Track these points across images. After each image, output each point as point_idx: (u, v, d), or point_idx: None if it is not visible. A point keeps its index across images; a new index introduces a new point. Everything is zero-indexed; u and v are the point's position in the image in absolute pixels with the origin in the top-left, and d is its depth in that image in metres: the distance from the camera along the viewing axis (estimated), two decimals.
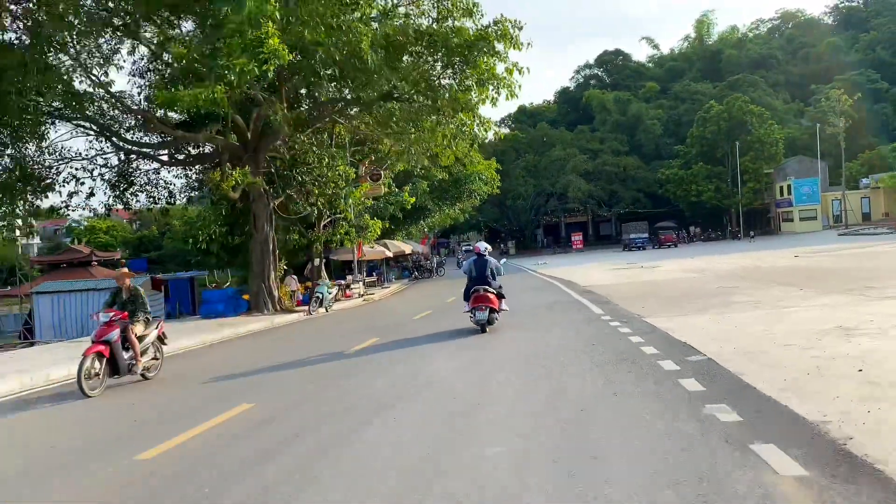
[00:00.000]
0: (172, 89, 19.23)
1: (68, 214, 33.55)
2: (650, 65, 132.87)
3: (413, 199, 40.50)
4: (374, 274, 54.81)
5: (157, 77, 27.12)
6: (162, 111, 26.21)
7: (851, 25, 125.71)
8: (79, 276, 42.40)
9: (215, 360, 15.82)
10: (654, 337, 12.31)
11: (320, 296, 27.34)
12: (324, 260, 33.00)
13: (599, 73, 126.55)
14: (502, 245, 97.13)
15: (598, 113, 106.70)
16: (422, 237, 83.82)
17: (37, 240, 71.06)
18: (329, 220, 30.01)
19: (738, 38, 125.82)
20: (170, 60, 23.78)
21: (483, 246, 16.54)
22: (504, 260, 19.26)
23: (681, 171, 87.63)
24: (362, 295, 33.59)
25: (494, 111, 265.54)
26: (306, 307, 27.27)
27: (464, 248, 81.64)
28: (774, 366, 8.81)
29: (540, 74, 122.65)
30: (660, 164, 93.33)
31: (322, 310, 27.26)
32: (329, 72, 23.27)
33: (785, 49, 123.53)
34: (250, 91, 22.20)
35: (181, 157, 30.59)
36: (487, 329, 14.93)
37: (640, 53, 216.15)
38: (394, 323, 20.72)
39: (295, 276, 31.24)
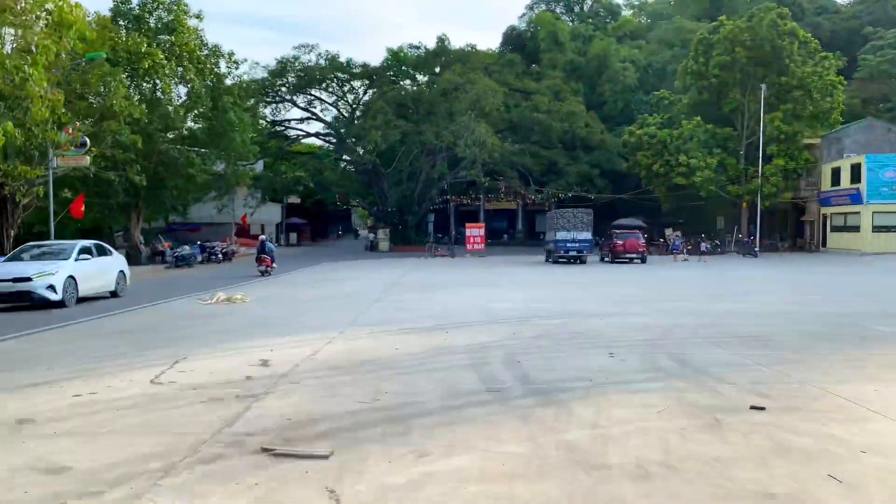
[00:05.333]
0: None
1: None
2: (629, 12, 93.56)
3: None
4: None
5: None
6: None
7: None
8: None
9: None
10: None
11: None
12: None
13: (559, 12, 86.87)
14: (372, 235, 57.82)
15: (547, 51, 67.13)
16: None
17: None
18: None
19: None
20: None
21: (266, 237, 30.05)
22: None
23: (661, 131, 48.30)
24: None
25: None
26: None
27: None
28: None
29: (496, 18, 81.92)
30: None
31: None
32: None
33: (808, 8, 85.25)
34: None
35: None
36: (265, 275, 27.36)
37: None
38: None
39: None
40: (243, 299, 17.12)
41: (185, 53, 37.12)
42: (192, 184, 37.39)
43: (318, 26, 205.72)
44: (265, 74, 51.88)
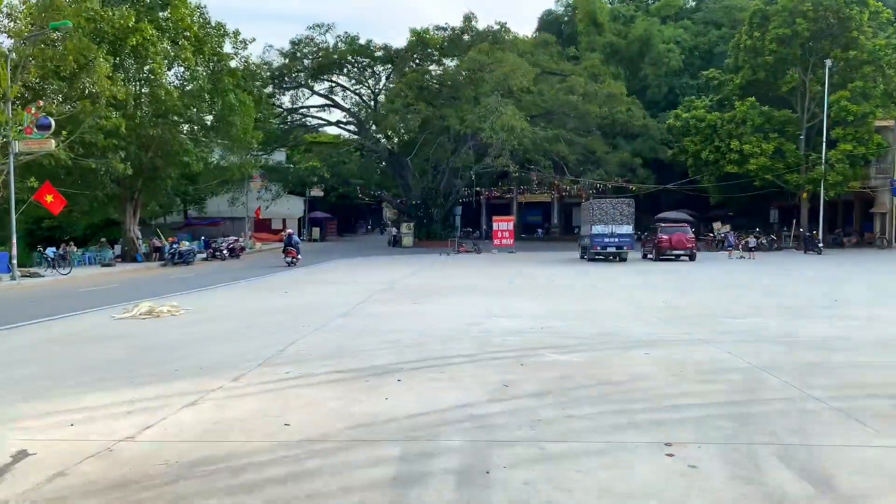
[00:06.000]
0: None
1: None
2: None
3: None
4: None
5: None
6: None
7: None
8: None
9: None
10: None
11: None
12: None
13: None
14: (395, 230, 53.70)
15: (585, 34, 62.10)
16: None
17: None
18: None
19: None
20: None
21: (292, 231, 34.26)
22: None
23: (711, 114, 43.17)
24: None
25: None
26: None
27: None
28: None
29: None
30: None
31: None
32: None
33: None
34: None
35: None
36: (291, 266, 29.67)
37: None
38: None
39: None
40: (172, 311, 12.98)
41: (181, 31, 33.40)
42: (190, 174, 33.54)
43: (334, 19, 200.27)
44: (280, 58, 47.87)
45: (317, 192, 61.31)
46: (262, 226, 62.27)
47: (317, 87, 50.45)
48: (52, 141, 24.54)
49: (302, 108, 51.74)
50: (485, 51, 42.06)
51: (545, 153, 46.87)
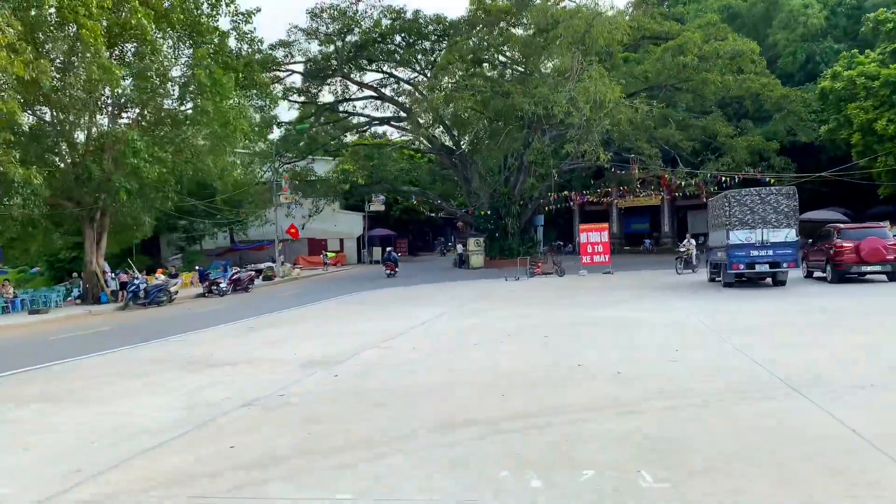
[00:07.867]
0: None
1: None
2: None
3: None
4: None
5: None
6: None
7: None
8: None
9: None
10: None
11: None
12: None
13: None
14: (462, 248, 42.65)
15: (693, 0, 49.39)
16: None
17: None
18: None
19: None
20: None
21: (391, 248, 40.14)
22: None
23: (887, 69, 29.65)
24: None
25: None
26: None
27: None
28: None
29: None
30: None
31: None
32: None
33: None
34: None
35: None
36: (390, 277, 32.75)
37: None
38: None
39: None
40: None
41: None
42: (142, 182, 23.77)
43: None
44: (304, 39, 38.02)
45: (377, 206, 51.43)
46: (319, 247, 53.07)
47: (357, 77, 40.33)
48: None
49: (341, 101, 41.59)
50: (558, 2, 30.51)
51: (649, 139, 34.70)
